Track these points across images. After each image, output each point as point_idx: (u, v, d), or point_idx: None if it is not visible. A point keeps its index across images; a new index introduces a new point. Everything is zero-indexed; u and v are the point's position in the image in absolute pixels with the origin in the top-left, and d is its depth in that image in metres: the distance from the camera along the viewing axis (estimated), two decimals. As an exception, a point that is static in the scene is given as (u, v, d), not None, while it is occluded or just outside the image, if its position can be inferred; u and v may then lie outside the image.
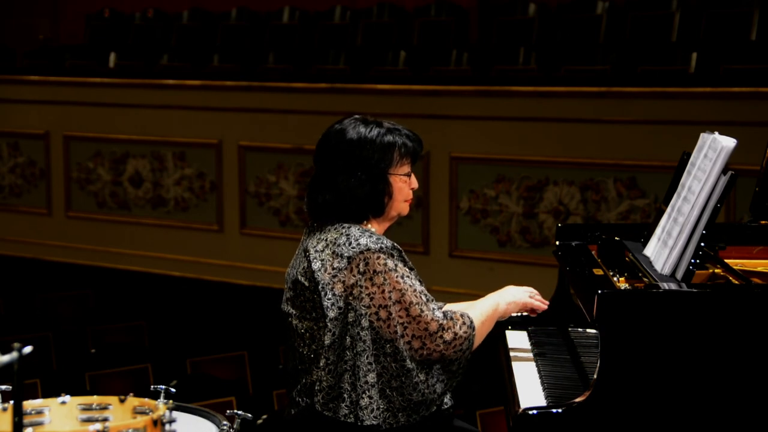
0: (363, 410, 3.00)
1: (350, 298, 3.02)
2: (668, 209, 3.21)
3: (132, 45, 9.89)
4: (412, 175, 3.20)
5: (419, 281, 3.09)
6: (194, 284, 8.37)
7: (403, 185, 3.17)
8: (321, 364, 3.04)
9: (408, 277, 3.04)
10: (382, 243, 3.04)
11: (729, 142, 2.97)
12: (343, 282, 3.02)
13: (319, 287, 3.03)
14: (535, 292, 3.36)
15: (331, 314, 3.02)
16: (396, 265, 3.03)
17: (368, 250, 3.02)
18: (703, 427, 2.72)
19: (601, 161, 6.80)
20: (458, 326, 3.06)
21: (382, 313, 3.00)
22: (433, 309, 3.05)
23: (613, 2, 8.10)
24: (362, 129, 3.14)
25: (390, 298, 3.00)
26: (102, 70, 9.36)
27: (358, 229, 3.09)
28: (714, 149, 3.01)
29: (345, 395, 3.02)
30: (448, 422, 3.19)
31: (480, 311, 3.19)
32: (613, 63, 7.35)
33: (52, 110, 9.11)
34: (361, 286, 3.01)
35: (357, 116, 3.20)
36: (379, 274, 3.01)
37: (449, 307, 3.29)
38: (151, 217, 8.67)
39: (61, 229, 9.10)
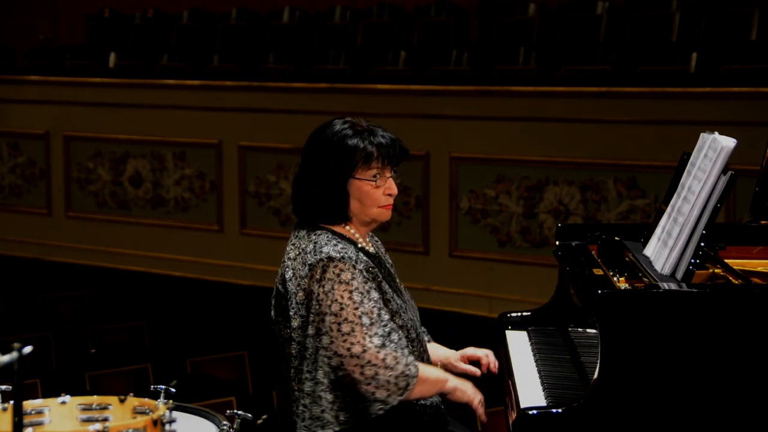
0: (316, 420, 2.99)
1: (310, 305, 2.99)
2: (668, 209, 3.21)
3: (132, 45, 9.89)
4: (389, 181, 3.10)
5: (377, 299, 2.99)
6: (194, 284, 8.37)
7: (371, 190, 3.08)
8: (291, 374, 3.04)
9: (360, 293, 2.96)
10: (345, 253, 2.99)
11: (729, 142, 2.97)
12: (304, 290, 3.00)
13: (288, 296, 3.03)
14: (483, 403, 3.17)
15: (295, 323, 3.02)
16: (352, 278, 2.97)
17: (328, 258, 2.98)
18: (703, 427, 2.72)
19: (601, 161, 6.80)
20: (387, 374, 2.93)
21: (325, 319, 2.96)
22: (372, 335, 2.94)
23: (613, 2, 8.10)
24: (336, 129, 3.09)
25: (330, 306, 2.95)
26: (102, 70, 9.36)
27: (327, 236, 3.05)
28: (714, 149, 3.01)
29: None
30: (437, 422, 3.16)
31: (430, 374, 3.06)
32: (613, 63, 7.35)
33: (52, 110, 9.11)
34: (315, 293, 2.98)
35: (348, 118, 3.14)
36: (330, 282, 2.96)
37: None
38: (151, 217, 8.67)
39: (61, 229, 9.10)
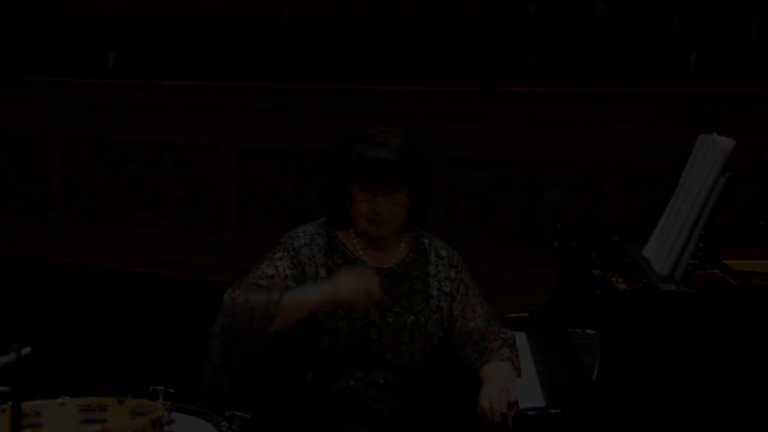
0: None
1: None
2: (667, 210, 3.21)
3: (132, 45, 9.90)
4: (377, 199, 3.00)
5: (289, 278, 3.08)
6: (194, 284, 8.36)
7: (354, 201, 3.04)
8: None
9: (276, 263, 3.08)
10: (292, 238, 3.10)
11: (728, 143, 2.97)
12: None
13: None
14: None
15: None
16: (280, 258, 3.09)
17: (280, 242, 3.13)
18: (702, 428, 2.72)
19: (600, 162, 6.79)
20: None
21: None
22: (248, 282, 3.12)
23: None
24: (357, 131, 3.10)
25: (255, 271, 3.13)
26: (102, 70, 9.36)
27: (305, 229, 3.14)
28: (713, 150, 3.01)
29: None
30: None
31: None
32: (613, 63, 7.35)
33: (52, 110, 9.11)
34: None
35: (385, 127, 3.13)
36: (267, 259, 3.13)
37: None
38: (150, 217, 8.66)
39: (61, 229, 9.10)
